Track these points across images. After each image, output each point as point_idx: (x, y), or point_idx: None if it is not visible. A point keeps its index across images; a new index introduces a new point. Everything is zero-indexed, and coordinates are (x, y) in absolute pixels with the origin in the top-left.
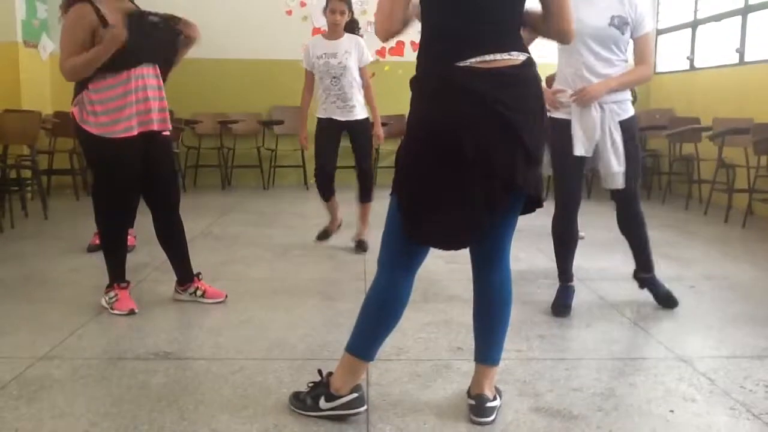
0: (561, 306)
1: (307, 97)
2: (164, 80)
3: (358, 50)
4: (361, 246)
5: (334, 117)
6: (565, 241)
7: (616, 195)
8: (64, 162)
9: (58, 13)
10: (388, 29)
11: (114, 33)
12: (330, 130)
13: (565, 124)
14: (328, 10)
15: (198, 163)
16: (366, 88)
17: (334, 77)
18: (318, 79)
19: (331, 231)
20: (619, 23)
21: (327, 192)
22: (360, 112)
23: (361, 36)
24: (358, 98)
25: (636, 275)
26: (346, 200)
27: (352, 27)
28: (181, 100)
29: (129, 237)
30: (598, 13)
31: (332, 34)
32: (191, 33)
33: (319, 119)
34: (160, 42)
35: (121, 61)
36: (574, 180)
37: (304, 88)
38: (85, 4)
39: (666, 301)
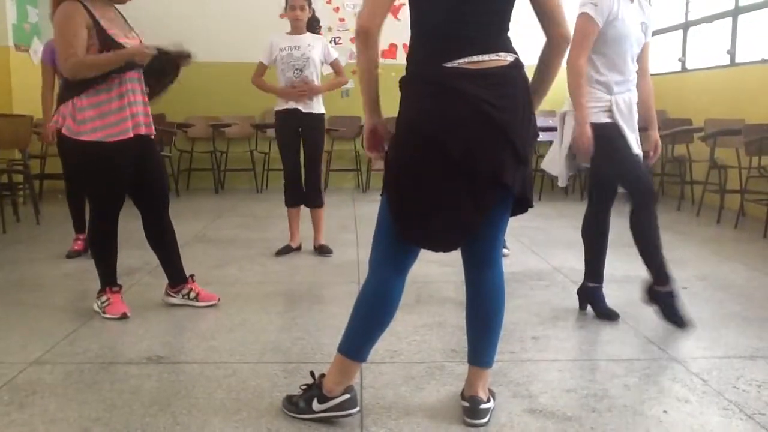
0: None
1: (258, 79)
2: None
3: (322, 47)
4: (322, 250)
5: (293, 107)
6: (648, 235)
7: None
8: (56, 166)
9: (49, 11)
10: (362, 24)
11: (144, 52)
12: (290, 128)
13: (611, 127)
14: (288, 7)
15: (191, 167)
16: (340, 75)
17: (297, 69)
18: (280, 72)
19: (290, 249)
20: (645, 29)
21: (293, 197)
22: (318, 107)
23: (321, 33)
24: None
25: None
26: (334, 203)
27: (313, 25)
28: (173, 103)
29: (79, 242)
30: (635, 19)
31: (295, 30)
32: (184, 64)
33: (278, 112)
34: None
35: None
36: (647, 173)
37: (255, 76)
38: (75, 2)
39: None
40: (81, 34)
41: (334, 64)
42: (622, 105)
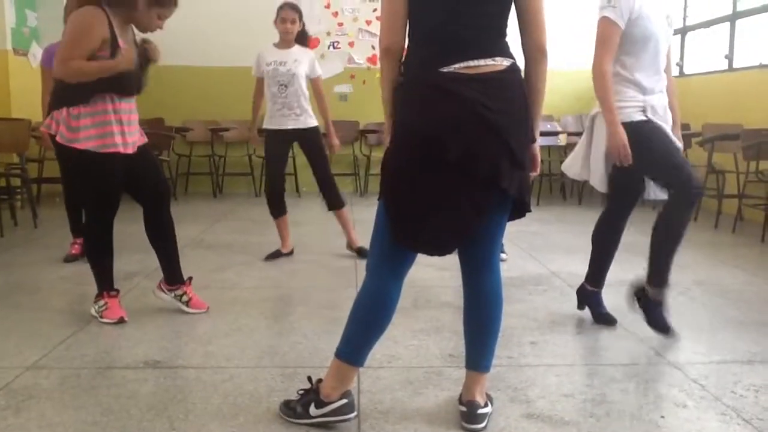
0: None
1: (258, 101)
2: None
3: (308, 61)
4: (361, 253)
5: (281, 126)
6: (674, 235)
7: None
8: (54, 170)
9: (66, 7)
10: (381, 41)
11: (127, 57)
12: (278, 143)
13: (646, 124)
14: (279, 20)
15: (189, 171)
16: (319, 97)
17: (282, 84)
18: (266, 86)
19: (280, 254)
20: (670, 22)
21: (276, 209)
22: (307, 120)
23: (310, 47)
24: (304, 107)
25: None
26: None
27: (303, 38)
28: (172, 107)
29: (77, 246)
30: (660, 14)
31: (283, 43)
32: (156, 58)
33: (266, 131)
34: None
35: (120, 88)
36: (693, 169)
37: (255, 93)
38: (101, 11)
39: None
40: (93, 43)
41: (315, 82)
42: (657, 107)
